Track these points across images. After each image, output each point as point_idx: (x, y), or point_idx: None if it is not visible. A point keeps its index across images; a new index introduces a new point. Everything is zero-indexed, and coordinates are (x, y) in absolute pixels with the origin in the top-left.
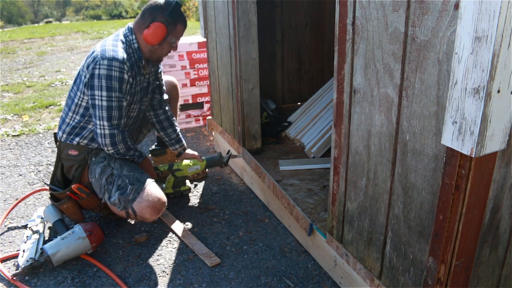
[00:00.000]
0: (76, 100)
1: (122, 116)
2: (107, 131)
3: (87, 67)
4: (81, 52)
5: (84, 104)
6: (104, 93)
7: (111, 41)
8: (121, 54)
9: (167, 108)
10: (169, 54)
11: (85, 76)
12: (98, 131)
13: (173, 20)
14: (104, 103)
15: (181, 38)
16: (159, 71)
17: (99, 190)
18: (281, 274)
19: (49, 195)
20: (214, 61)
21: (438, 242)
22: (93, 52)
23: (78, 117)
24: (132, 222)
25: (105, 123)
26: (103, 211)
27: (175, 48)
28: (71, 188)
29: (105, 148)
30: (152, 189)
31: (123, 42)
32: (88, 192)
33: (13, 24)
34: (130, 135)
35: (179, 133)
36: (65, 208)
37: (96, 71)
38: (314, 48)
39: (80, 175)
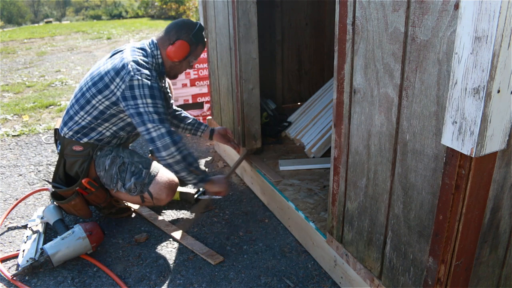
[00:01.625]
0: (93, 102)
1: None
2: (163, 130)
3: (121, 79)
4: (81, 52)
5: (101, 108)
6: (150, 100)
7: (140, 54)
8: (150, 66)
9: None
10: None
11: (116, 87)
12: (154, 134)
13: (196, 40)
14: (151, 109)
15: None
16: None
17: (110, 181)
18: (281, 274)
19: (51, 195)
20: (214, 61)
21: (438, 242)
22: (122, 60)
23: (90, 118)
24: (129, 219)
25: (157, 124)
26: (103, 211)
27: (191, 67)
28: (81, 182)
29: (164, 154)
30: (165, 171)
31: (151, 56)
32: (97, 186)
33: (13, 24)
34: (131, 140)
35: (195, 120)
36: (73, 204)
37: (137, 82)
38: (314, 48)
39: (87, 170)
